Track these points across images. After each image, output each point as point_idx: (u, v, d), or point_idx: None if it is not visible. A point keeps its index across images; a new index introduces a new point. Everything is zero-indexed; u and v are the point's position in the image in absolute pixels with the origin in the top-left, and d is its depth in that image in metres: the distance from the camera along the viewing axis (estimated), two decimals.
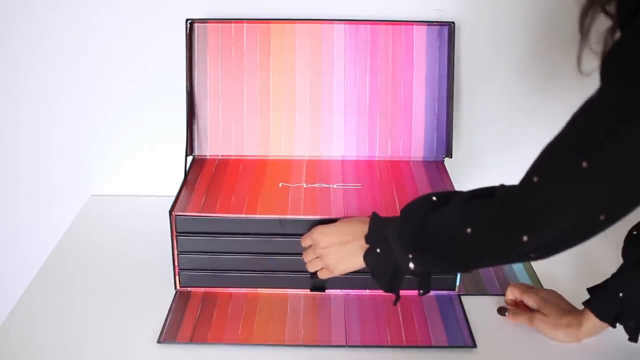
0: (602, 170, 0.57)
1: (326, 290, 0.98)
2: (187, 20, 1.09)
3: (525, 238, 0.63)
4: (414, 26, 1.11)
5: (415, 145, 1.14)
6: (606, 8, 0.58)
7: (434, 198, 0.76)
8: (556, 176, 0.60)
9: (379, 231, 0.82)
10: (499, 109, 1.19)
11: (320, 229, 0.90)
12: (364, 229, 0.84)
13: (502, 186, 0.70)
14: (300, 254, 0.93)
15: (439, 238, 0.73)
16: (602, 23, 0.60)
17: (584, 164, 0.57)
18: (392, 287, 0.83)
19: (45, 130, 1.21)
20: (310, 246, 0.91)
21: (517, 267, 1.06)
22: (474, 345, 0.89)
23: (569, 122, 0.61)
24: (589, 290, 0.89)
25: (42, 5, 1.11)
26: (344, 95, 1.13)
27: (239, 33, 1.11)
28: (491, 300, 0.98)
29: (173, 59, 1.12)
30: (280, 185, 1.04)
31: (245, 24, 1.11)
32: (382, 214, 0.96)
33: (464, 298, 0.98)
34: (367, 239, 0.84)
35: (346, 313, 0.94)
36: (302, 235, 0.93)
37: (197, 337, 0.90)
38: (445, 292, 0.98)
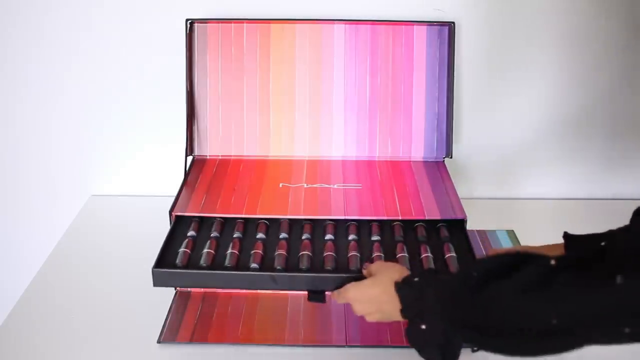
0: None
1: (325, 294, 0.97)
2: (187, 20, 1.09)
3: (627, 330, 0.56)
4: (414, 26, 1.11)
5: (415, 145, 1.14)
6: None
7: (475, 274, 0.66)
8: None
9: (414, 304, 0.73)
10: (499, 108, 1.19)
11: (352, 292, 0.80)
12: (395, 295, 0.75)
13: (569, 261, 0.61)
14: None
15: (503, 326, 0.63)
16: None
17: None
18: (450, 358, 0.73)
19: (45, 130, 1.21)
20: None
21: None
22: None
23: None
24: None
25: (42, 5, 1.11)
26: (344, 95, 1.13)
27: (239, 33, 1.11)
28: None
29: (173, 59, 1.12)
30: (280, 185, 1.04)
31: (245, 24, 1.11)
32: (382, 214, 0.96)
33: None
34: (404, 313, 0.74)
35: (346, 313, 0.94)
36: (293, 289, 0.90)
37: (197, 337, 0.90)
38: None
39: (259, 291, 0.98)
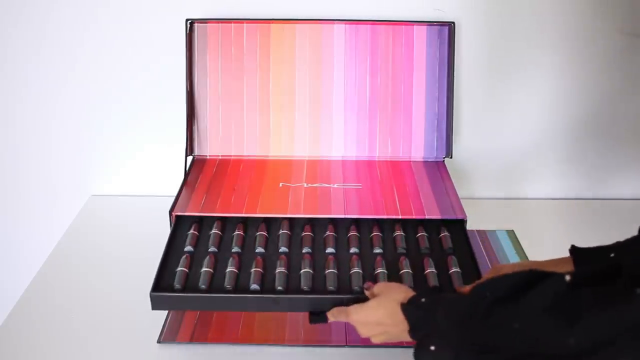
0: None
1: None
2: (187, 20, 1.09)
3: None
4: (414, 26, 1.11)
5: (415, 145, 1.14)
6: None
7: (488, 294, 0.64)
8: None
9: (423, 325, 0.71)
10: (499, 108, 1.19)
11: (356, 315, 0.79)
12: (400, 313, 0.73)
13: (584, 276, 0.59)
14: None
15: (518, 346, 0.61)
16: None
17: None
18: None
19: (45, 130, 1.21)
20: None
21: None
22: None
23: None
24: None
25: (42, 5, 1.11)
26: (344, 95, 1.13)
27: (239, 33, 1.11)
28: None
29: (173, 59, 1.12)
30: (280, 185, 1.04)
31: (245, 24, 1.11)
32: (382, 213, 0.96)
33: None
34: (412, 335, 0.72)
35: None
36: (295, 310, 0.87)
37: (197, 337, 0.90)
38: None
39: None
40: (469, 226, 0.97)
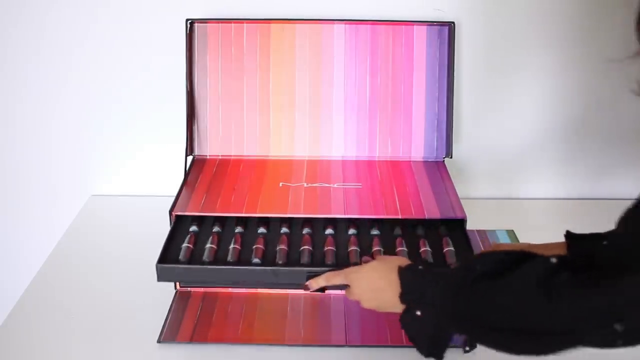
0: None
1: (326, 291, 0.98)
2: (187, 20, 1.09)
3: (618, 327, 0.57)
4: (414, 26, 1.11)
5: (415, 145, 1.14)
6: None
7: (479, 267, 0.66)
8: None
9: (414, 291, 0.73)
10: (499, 108, 1.19)
11: (354, 274, 0.81)
12: (396, 278, 0.75)
13: (569, 260, 0.62)
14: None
15: (499, 323, 0.64)
16: None
17: None
18: (435, 353, 0.74)
19: (45, 130, 1.21)
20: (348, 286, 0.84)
21: None
22: (474, 345, 0.89)
23: None
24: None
25: (42, 5, 1.11)
26: (344, 95, 1.13)
27: (239, 33, 1.11)
28: None
29: (173, 59, 1.12)
30: (280, 184, 1.04)
31: (245, 24, 1.11)
32: (382, 213, 0.96)
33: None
34: (402, 298, 0.74)
35: (346, 313, 0.94)
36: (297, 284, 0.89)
37: (197, 337, 0.90)
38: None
39: (258, 291, 0.98)
40: (469, 226, 0.97)
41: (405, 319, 0.75)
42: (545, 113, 1.19)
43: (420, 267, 0.75)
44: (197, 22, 1.10)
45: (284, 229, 0.97)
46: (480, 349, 0.88)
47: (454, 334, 0.74)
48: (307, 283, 0.86)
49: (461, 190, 1.05)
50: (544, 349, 0.62)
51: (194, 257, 0.92)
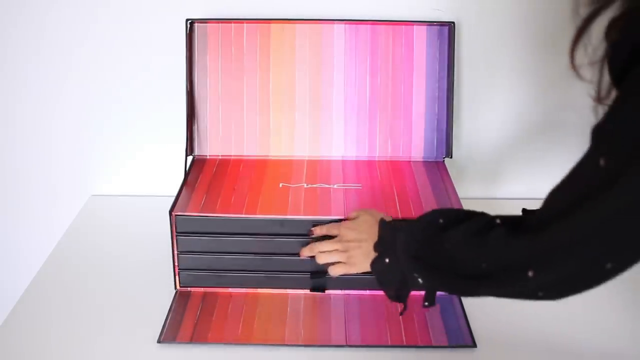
0: (599, 222, 0.59)
1: (326, 291, 0.98)
2: (187, 20, 1.09)
3: (530, 274, 0.64)
4: (414, 26, 1.11)
5: (415, 145, 1.14)
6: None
7: (441, 220, 0.76)
8: (561, 223, 0.62)
9: (387, 240, 0.82)
10: (499, 108, 1.19)
11: (347, 223, 0.90)
12: (376, 229, 0.84)
13: (508, 220, 0.71)
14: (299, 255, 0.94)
15: (447, 264, 0.73)
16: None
17: (584, 215, 0.60)
18: (400, 297, 0.82)
19: (45, 130, 1.21)
20: (333, 237, 0.91)
21: None
22: (474, 345, 0.89)
23: (571, 170, 0.65)
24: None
25: (42, 5, 1.11)
26: (344, 95, 1.13)
27: (239, 33, 1.11)
28: (491, 300, 0.98)
29: (173, 59, 1.12)
30: (280, 185, 1.04)
31: (245, 24, 1.11)
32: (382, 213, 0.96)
33: (463, 298, 0.98)
34: (376, 247, 0.83)
35: (346, 313, 0.94)
36: (301, 234, 0.94)
37: (197, 337, 0.90)
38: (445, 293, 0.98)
39: (258, 291, 0.98)
40: None
41: (376, 265, 0.83)
42: (545, 113, 1.19)
43: (398, 222, 0.83)
44: (197, 22, 1.10)
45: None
46: (481, 351, 0.88)
47: (415, 285, 0.79)
48: (312, 229, 0.93)
49: (461, 190, 1.05)
50: (474, 291, 0.73)
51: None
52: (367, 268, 0.85)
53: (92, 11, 1.12)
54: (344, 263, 0.88)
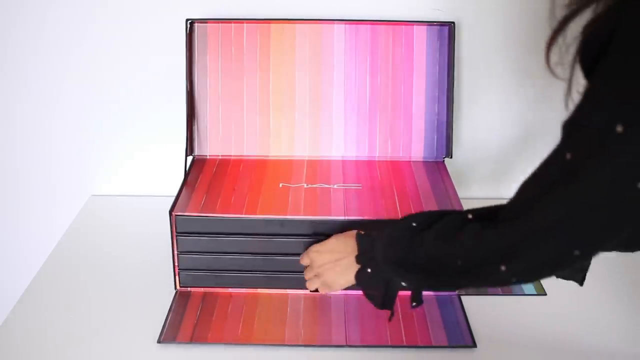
0: (564, 212, 0.61)
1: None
2: (187, 20, 1.09)
3: (503, 268, 0.67)
4: (414, 26, 1.11)
5: (415, 145, 1.14)
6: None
7: (414, 224, 0.78)
8: (527, 214, 0.65)
9: (367, 251, 0.83)
10: (499, 108, 1.19)
11: (315, 247, 0.90)
12: (355, 245, 0.85)
13: (481, 213, 0.73)
14: (300, 254, 0.94)
15: (425, 265, 0.76)
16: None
17: (546, 206, 0.62)
18: (386, 304, 0.84)
19: (45, 130, 1.21)
20: (309, 265, 0.92)
21: None
22: (474, 345, 0.89)
23: (541, 163, 0.67)
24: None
25: (41, 4, 1.11)
26: (344, 95, 1.13)
27: (239, 33, 1.11)
28: (491, 300, 0.98)
29: (173, 59, 1.12)
30: (280, 185, 1.04)
31: (245, 24, 1.11)
32: (382, 214, 0.96)
33: (463, 298, 0.98)
34: (358, 259, 0.84)
35: (346, 313, 0.94)
36: (301, 234, 0.94)
37: (197, 337, 0.90)
38: (445, 293, 0.98)
39: (258, 291, 0.98)
40: None
41: (359, 277, 0.84)
42: (545, 113, 1.19)
43: (374, 232, 0.84)
44: (197, 22, 1.10)
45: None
46: (481, 351, 0.89)
47: (400, 288, 0.81)
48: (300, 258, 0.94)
49: (461, 190, 1.05)
50: (454, 285, 0.79)
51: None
52: (347, 283, 0.86)
53: (91, 11, 1.12)
54: (325, 285, 0.90)
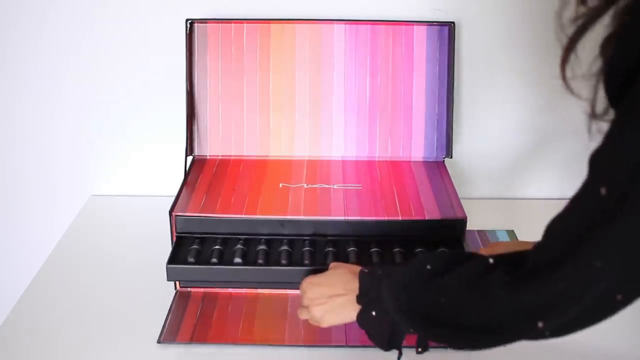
0: (610, 254, 0.55)
1: None
2: (187, 20, 1.09)
3: (540, 324, 0.61)
4: (414, 26, 1.11)
5: (415, 145, 1.14)
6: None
7: (429, 266, 0.71)
8: (568, 265, 0.58)
9: (371, 291, 0.77)
10: (499, 109, 1.19)
11: (310, 278, 0.85)
12: (355, 282, 0.79)
13: (504, 260, 0.66)
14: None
15: (444, 316, 0.68)
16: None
17: (589, 252, 0.56)
18: (393, 346, 0.78)
19: (44, 130, 1.21)
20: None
21: None
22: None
23: (570, 202, 0.59)
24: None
25: (41, 4, 1.11)
26: (344, 95, 1.13)
27: (239, 33, 1.11)
28: None
29: (173, 59, 1.12)
30: (280, 185, 1.04)
31: (245, 24, 1.11)
32: (382, 214, 0.96)
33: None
34: (359, 299, 0.78)
35: None
36: (302, 235, 0.94)
37: (197, 337, 0.90)
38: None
39: (258, 291, 0.98)
40: (469, 226, 0.97)
41: (363, 319, 0.78)
42: (546, 113, 1.19)
43: (380, 271, 0.77)
44: (197, 22, 1.10)
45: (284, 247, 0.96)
46: (482, 351, 0.88)
47: (407, 332, 0.76)
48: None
49: (461, 190, 1.05)
50: (478, 344, 0.67)
51: (202, 257, 0.94)
52: (342, 322, 0.82)
53: (91, 11, 1.12)
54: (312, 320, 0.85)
